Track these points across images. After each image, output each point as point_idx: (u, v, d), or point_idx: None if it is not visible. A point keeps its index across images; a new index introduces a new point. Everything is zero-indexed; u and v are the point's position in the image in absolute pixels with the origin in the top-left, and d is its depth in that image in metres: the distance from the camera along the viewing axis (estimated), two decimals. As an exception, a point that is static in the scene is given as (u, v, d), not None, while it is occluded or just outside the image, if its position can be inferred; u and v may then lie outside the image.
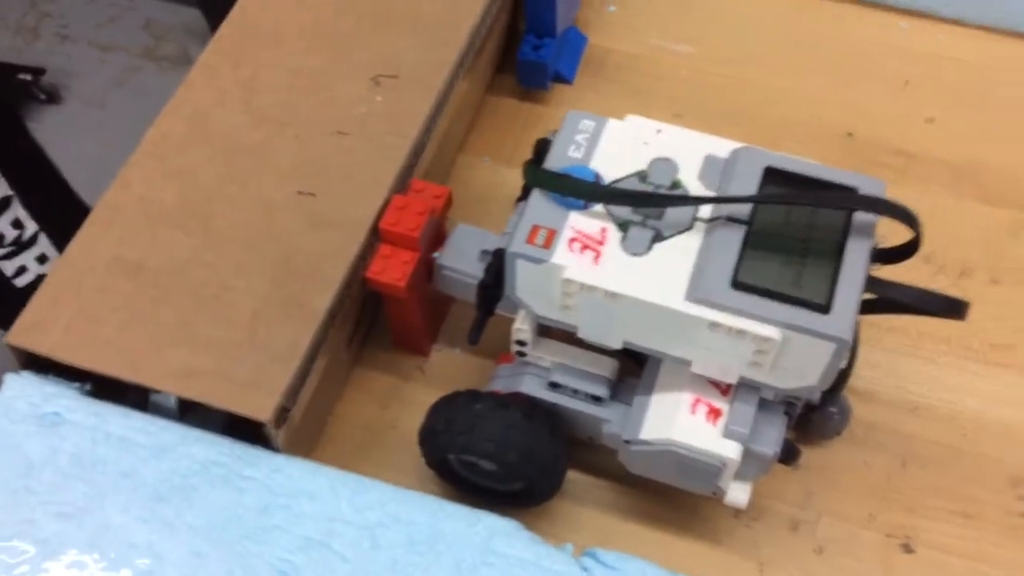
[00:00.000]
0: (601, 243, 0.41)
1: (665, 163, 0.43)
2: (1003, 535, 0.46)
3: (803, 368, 0.39)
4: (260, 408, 0.42)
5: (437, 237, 0.48)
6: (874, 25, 0.64)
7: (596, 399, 0.44)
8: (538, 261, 0.40)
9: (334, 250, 0.46)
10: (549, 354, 0.45)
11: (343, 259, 0.46)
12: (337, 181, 0.48)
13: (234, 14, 0.55)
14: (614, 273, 0.40)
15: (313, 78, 0.52)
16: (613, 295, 0.40)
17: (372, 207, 0.47)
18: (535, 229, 0.41)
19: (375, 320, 0.52)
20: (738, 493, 0.42)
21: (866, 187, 0.40)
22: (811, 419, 0.47)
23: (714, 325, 0.39)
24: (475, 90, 0.59)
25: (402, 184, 0.49)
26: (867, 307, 0.40)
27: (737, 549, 0.46)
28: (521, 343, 0.44)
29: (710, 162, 0.42)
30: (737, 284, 0.38)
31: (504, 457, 0.43)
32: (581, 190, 0.41)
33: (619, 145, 0.43)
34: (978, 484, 0.48)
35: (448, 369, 0.52)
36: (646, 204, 0.41)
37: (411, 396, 0.51)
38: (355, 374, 0.51)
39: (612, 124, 0.44)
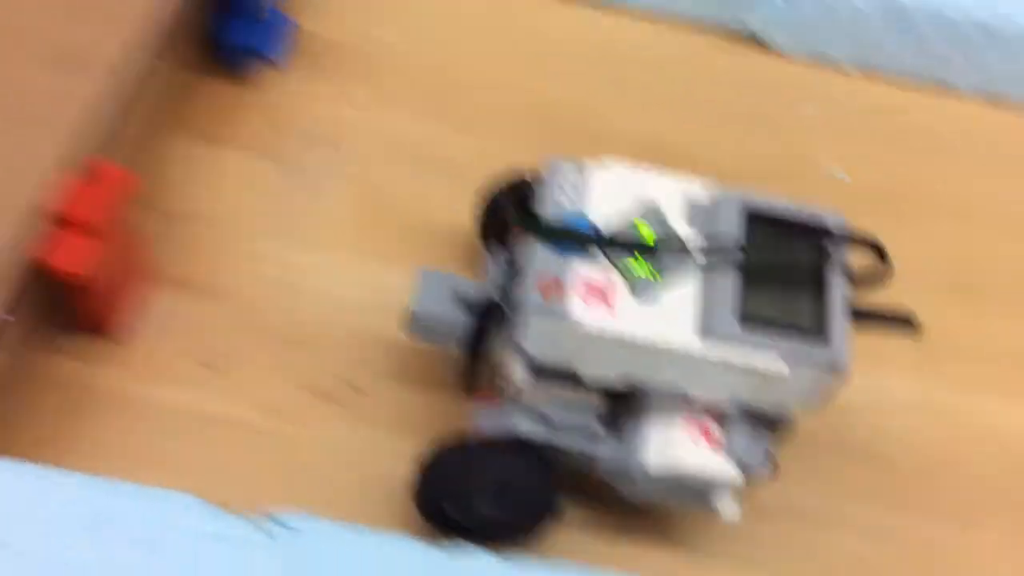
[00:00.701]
0: (610, 292, 0.41)
1: (651, 207, 0.44)
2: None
3: (802, 393, 0.42)
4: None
5: (119, 222, 0.47)
6: (569, 16, 0.68)
7: (591, 433, 0.45)
8: (556, 315, 0.41)
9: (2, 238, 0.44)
10: (537, 392, 0.45)
11: (11, 247, 0.44)
12: (2, 167, 0.46)
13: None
14: (630, 321, 0.41)
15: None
16: (632, 343, 0.41)
17: (46, 191, 0.45)
18: (545, 282, 0.41)
19: (59, 305, 0.50)
20: (730, 507, 0.44)
21: (830, 221, 0.44)
22: None
23: (727, 363, 0.41)
24: (173, 71, 0.58)
25: (81, 167, 0.47)
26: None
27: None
28: (516, 388, 0.44)
29: (692, 204, 0.44)
30: (744, 324, 0.40)
31: (507, 500, 0.44)
32: (589, 243, 0.42)
33: (604, 191, 0.44)
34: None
35: (137, 353, 0.51)
36: (647, 254, 0.42)
37: (102, 383, 0.49)
38: (39, 361, 0.49)
39: (593, 170, 0.45)
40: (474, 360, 0.45)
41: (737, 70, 0.68)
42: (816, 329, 0.41)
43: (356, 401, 0.50)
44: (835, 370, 0.40)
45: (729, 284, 0.41)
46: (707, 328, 0.41)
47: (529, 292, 0.41)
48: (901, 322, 0.45)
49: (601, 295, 0.41)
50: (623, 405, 0.45)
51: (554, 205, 0.43)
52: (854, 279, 0.44)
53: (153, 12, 0.52)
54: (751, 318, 0.41)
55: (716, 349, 0.40)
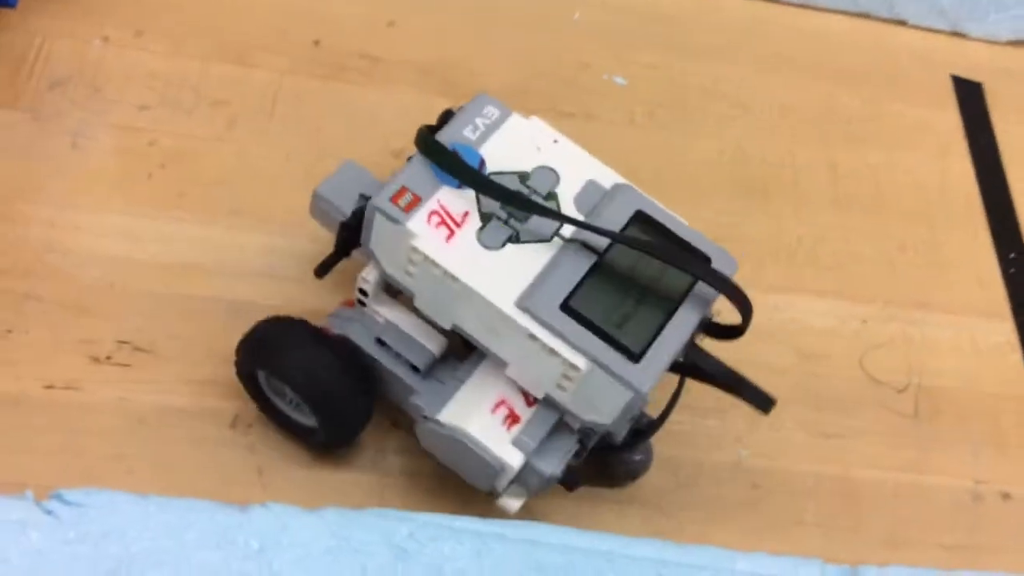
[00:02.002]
0: (459, 225, 0.41)
1: (549, 173, 0.43)
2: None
3: (601, 405, 0.40)
4: None
5: None
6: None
7: (414, 368, 0.44)
8: (394, 221, 0.40)
9: None
10: (388, 312, 0.44)
11: None
12: None
13: None
14: (460, 257, 0.40)
15: None
16: (451, 277, 0.40)
17: None
18: (403, 190, 0.41)
19: None
20: (510, 500, 0.43)
21: (720, 260, 0.42)
22: (612, 460, 0.48)
23: (532, 337, 0.39)
24: None
25: None
26: (686, 371, 0.43)
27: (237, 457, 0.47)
28: (363, 292, 0.44)
29: (590, 187, 0.43)
30: (565, 307, 0.40)
31: (304, 388, 0.43)
32: (461, 172, 0.41)
33: (514, 141, 0.43)
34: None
35: None
36: (514, 206, 0.41)
37: None
38: None
39: (515, 119, 0.44)
40: (339, 249, 0.45)
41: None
42: (635, 347, 0.40)
43: (142, 362, 0.48)
44: (633, 391, 0.39)
45: (577, 269, 0.41)
46: (526, 297, 0.40)
47: (382, 193, 0.41)
48: (760, 399, 0.43)
49: (448, 224, 0.41)
50: (464, 359, 0.45)
51: (455, 133, 0.43)
52: (709, 326, 0.43)
53: None
54: (575, 308, 0.40)
55: (524, 319, 0.40)
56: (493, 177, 0.42)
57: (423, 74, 0.61)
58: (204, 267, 0.51)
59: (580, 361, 0.39)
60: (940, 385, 0.56)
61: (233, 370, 0.47)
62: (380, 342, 0.44)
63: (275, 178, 0.55)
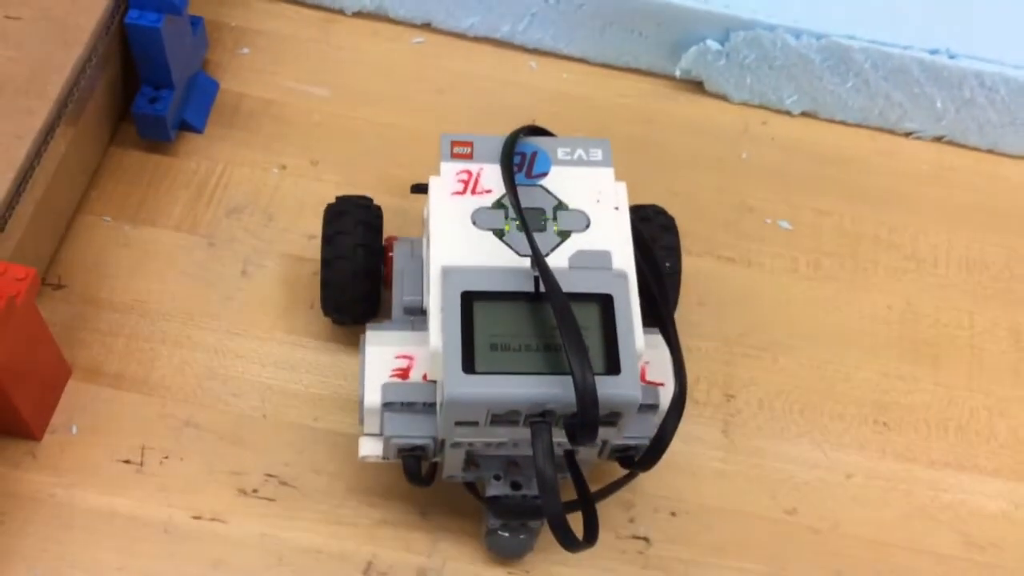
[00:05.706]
0: (474, 193, 0.44)
1: (581, 219, 0.44)
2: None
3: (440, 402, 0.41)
4: None
5: (24, 324, 0.45)
6: (507, 65, 0.66)
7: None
8: (441, 156, 0.45)
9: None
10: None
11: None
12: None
13: None
14: (446, 209, 0.44)
15: None
16: (428, 218, 0.44)
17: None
18: (467, 144, 0.45)
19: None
20: (365, 443, 0.44)
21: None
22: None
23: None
24: (86, 147, 0.56)
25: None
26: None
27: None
28: None
29: (600, 254, 0.43)
30: (466, 298, 0.41)
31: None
32: (504, 165, 0.44)
33: (587, 182, 0.45)
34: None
35: (67, 452, 0.49)
36: (516, 215, 0.43)
37: (24, 488, 0.48)
38: (-45, 469, 0.48)
39: (607, 171, 0.46)
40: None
41: (679, 115, 0.66)
42: (480, 366, 0.39)
43: (286, 497, 0.49)
44: (447, 389, 0.39)
45: (509, 285, 0.41)
46: (453, 269, 0.41)
47: (458, 136, 0.46)
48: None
49: (468, 185, 0.44)
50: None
51: (552, 145, 0.46)
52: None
53: (53, 99, 0.50)
54: (471, 303, 0.40)
55: (435, 281, 0.41)
56: (538, 191, 0.45)
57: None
58: (356, 402, 0.52)
59: (435, 341, 0.40)
60: None
61: (372, 513, 0.47)
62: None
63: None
